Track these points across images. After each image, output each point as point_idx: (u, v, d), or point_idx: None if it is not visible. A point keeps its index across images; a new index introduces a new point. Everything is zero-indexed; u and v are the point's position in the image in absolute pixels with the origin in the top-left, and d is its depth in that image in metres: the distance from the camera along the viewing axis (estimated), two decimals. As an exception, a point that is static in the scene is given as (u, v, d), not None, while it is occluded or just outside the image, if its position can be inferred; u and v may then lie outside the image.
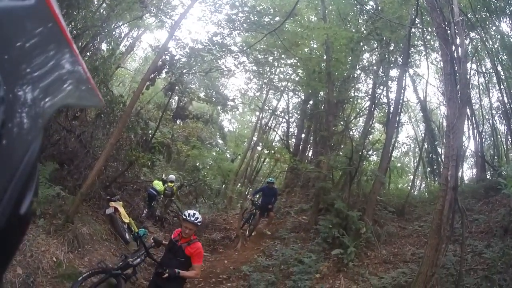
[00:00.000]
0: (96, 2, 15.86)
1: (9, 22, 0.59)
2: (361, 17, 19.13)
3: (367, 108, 19.62)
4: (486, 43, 18.38)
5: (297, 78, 21.91)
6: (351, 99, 20.45)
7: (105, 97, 15.10)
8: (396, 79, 17.67)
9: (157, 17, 17.45)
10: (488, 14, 17.44)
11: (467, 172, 27.89)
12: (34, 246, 7.46)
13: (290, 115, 24.89)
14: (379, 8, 17.90)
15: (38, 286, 6.76)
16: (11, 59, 0.60)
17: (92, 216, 11.43)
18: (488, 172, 19.16)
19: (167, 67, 15.88)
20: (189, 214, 6.54)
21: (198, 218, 6.55)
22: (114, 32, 19.20)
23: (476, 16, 17.37)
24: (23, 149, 0.62)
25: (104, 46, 19.20)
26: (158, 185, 16.31)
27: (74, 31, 15.05)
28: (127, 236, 12.22)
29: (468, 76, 14.76)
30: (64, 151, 12.79)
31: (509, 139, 19.21)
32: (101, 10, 16.31)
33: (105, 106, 14.85)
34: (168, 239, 14.74)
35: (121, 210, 12.50)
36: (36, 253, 7.38)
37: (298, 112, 24.49)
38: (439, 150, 21.73)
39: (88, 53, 16.74)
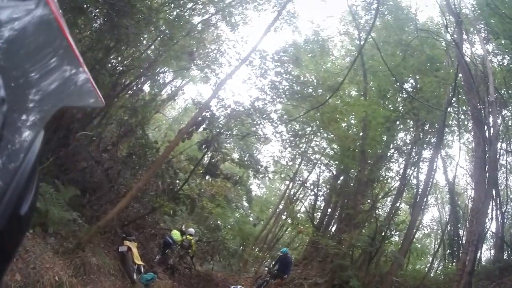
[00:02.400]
0: (145, 43, 16.51)
1: (11, 28, 0.61)
2: (400, 95, 19.24)
3: (396, 188, 19.49)
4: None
5: (331, 153, 21.95)
6: (381, 178, 20.29)
7: (140, 139, 15.50)
8: (428, 160, 17.58)
9: (202, 71, 18.00)
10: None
11: (486, 253, 27.02)
12: (39, 260, 7.50)
13: (319, 188, 24.71)
14: (418, 86, 18.06)
15: (32, 298, 6.76)
16: (13, 62, 0.62)
17: (104, 249, 11.52)
18: (505, 253, 18.46)
19: (206, 124, 16.20)
20: None
21: None
22: (158, 77, 19.77)
23: (510, 92, 17.22)
24: (23, 150, 0.64)
25: (146, 88, 19.83)
26: (176, 234, 16.27)
27: (119, 67, 15.61)
28: (135, 276, 12.18)
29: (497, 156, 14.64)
30: (89, 180, 13.04)
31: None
32: (149, 52, 16.88)
33: (138, 148, 15.22)
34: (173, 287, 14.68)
35: (134, 250, 12.53)
36: (40, 267, 7.41)
37: (328, 186, 24.33)
38: (461, 232, 21.04)
39: (130, 92, 17.26)
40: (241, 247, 24.77)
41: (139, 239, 14.48)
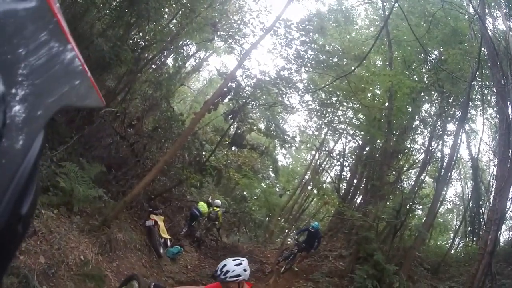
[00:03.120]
0: (166, 17, 16.37)
1: (10, 23, 0.59)
2: (425, 66, 18.92)
3: (421, 160, 19.36)
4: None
5: (357, 123, 21.70)
6: (406, 150, 20.06)
7: (165, 112, 15.52)
8: (453, 134, 17.48)
9: (226, 42, 17.83)
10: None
11: (505, 234, 26.92)
12: (64, 240, 7.56)
13: (345, 158, 24.51)
14: (443, 58, 17.65)
15: (58, 279, 6.81)
16: (12, 60, 0.60)
17: (130, 224, 11.63)
18: None
19: (232, 94, 16.11)
20: (218, 267, 4.40)
21: (228, 272, 4.27)
22: (181, 50, 19.67)
23: None
24: (24, 150, 0.62)
25: (170, 62, 19.83)
26: (202, 206, 16.31)
27: (141, 42, 15.62)
28: (161, 251, 12.32)
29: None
30: (114, 156, 13.13)
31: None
32: (171, 26, 16.80)
33: (163, 121, 15.23)
34: (199, 259, 14.89)
35: (161, 224, 12.63)
36: (64, 248, 7.48)
37: (353, 156, 24.13)
38: (482, 210, 20.85)
39: (153, 66, 17.27)
40: (267, 218, 24.95)
41: (165, 213, 14.59)
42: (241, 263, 4.41)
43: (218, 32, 16.59)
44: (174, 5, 15.09)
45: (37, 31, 0.67)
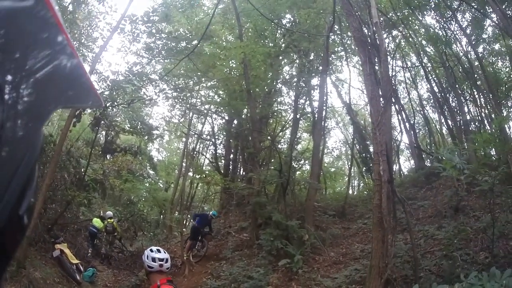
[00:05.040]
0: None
1: (8, 23, 0.61)
2: (278, 31, 19.85)
3: (292, 119, 20.46)
4: (410, 38, 19.68)
5: (218, 100, 22.19)
6: (274, 113, 21.01)
7: (34, 138, 14.72)
8: (318, 87, 18.67)
9: (78, 51, 17.22)
10: (410, 10, 18.34)
11: (406, 164, 29.63)
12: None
13: (217, 137, 25.07)
14: (296, 21, 18.75)
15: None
16: (11, 60, 0.62)
17: (41, 260, 11.27)
18: (428, 160, 20.42)
19: (91, 102, 15.70)
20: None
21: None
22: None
23: (398, 14, 18.50)
24: (23, 150, 0.63)
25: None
26: (97, 222, 16.03)
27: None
28: (78, 277, 12.05)
29: (393, 73, 15.52)
30: (0, 194, 12.34)
31: (444, 125, 20.84)
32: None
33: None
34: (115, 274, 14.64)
35: (67, 251, 12.32)
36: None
37: (224, 132, 24.80)
38: (371, 148, 22.34)
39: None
40: (161, 215, 24.82)
41: (67, 239, 14.14)
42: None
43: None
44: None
45: (35, 31, 0.68)
